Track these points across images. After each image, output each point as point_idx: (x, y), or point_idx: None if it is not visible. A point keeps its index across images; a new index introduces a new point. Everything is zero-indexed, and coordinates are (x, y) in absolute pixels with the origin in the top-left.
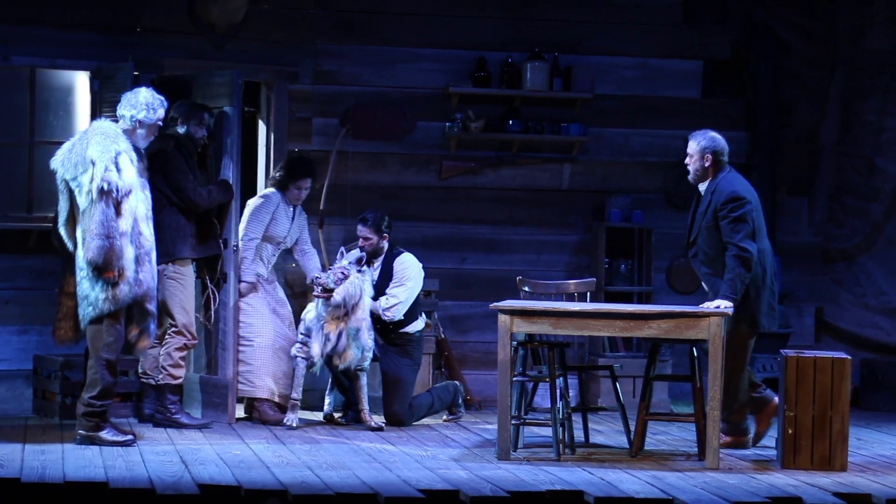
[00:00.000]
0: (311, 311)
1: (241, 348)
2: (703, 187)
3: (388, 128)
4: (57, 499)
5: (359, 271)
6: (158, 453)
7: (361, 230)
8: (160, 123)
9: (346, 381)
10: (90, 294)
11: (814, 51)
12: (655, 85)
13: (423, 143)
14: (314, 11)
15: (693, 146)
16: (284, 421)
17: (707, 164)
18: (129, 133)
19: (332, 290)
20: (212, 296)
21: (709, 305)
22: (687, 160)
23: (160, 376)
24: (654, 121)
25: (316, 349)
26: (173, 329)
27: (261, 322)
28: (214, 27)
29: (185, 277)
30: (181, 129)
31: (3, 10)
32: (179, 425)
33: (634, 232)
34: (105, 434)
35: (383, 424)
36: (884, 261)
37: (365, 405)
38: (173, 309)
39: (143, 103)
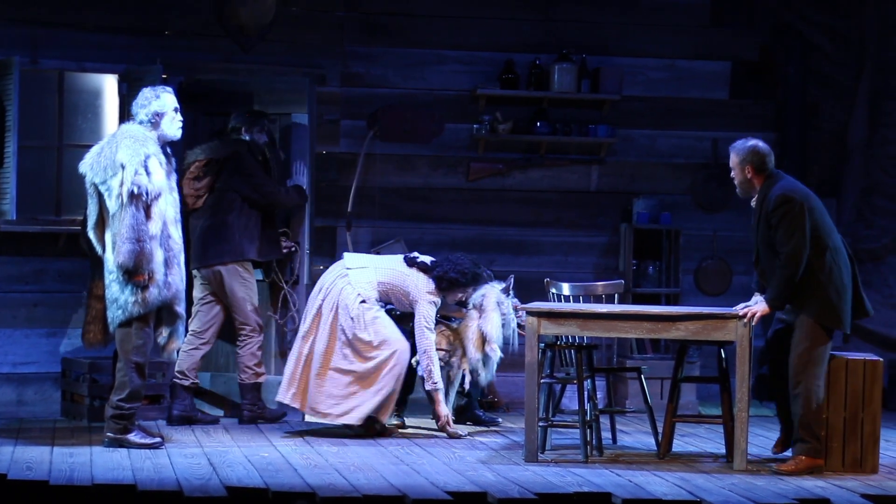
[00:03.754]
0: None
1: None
2: (754, 201)
3: (415, 130)
4: (85, 501)
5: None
6: (186, 456)
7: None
8: (177, 105)
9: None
10: (119, 297)
11: (842, 51)
12: (683, 86)
13: (450, 145)
14: (342, 14)
15: (733, 160)
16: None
17: (749, 176)
18: (155, 129)
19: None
20: (289, 298)
21: (749, 309)
22: (732, 174)
23: (245, 376)
24: (681, 122)
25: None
26: (249, 329)
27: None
28: (243, 29)
29: (251, 279)
30: (245, 137)
31: (31, 13)
32: (268, 419)
33: (662, 233)
34: (133, 436)
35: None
36: None
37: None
38: (246, 308)
39: (148, 97)
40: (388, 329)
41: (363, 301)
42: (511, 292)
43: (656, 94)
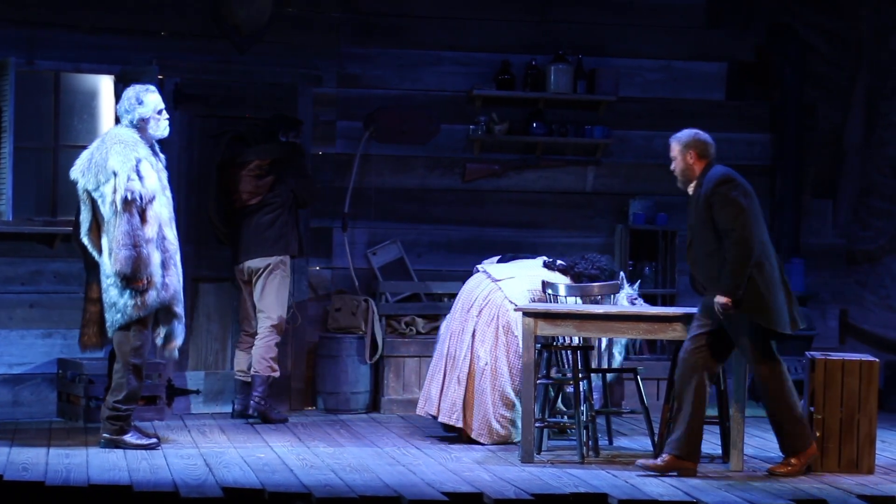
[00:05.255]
0: None
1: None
2: (691, 188)
3: (412, 131)
4: (81, 502)
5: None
6: (182, 456)
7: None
8: (161, 106)
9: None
10: (118, 301)
11: (838, 52)
12: (679, 87)
13: (446, 146)
14: (338, 14)
15: (675, 147)
16: None
17: (691, 161)
18: (142, 133)
19: None
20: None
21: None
22: (672, 165)
23: (260, 367)
24: (677, 123)
25: None
26: (272, 324)
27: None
28: (239, 30)
29: (289, 273)
30: (284, 140)
31: (27, 14)
32: (270, 419)
33: (658, 234)
34: (129, 437)
35: None
36: None
37: None
38: (276, 302)
39: (132, 103)
40: None
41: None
42: (625, 285)
43: (652, 95)
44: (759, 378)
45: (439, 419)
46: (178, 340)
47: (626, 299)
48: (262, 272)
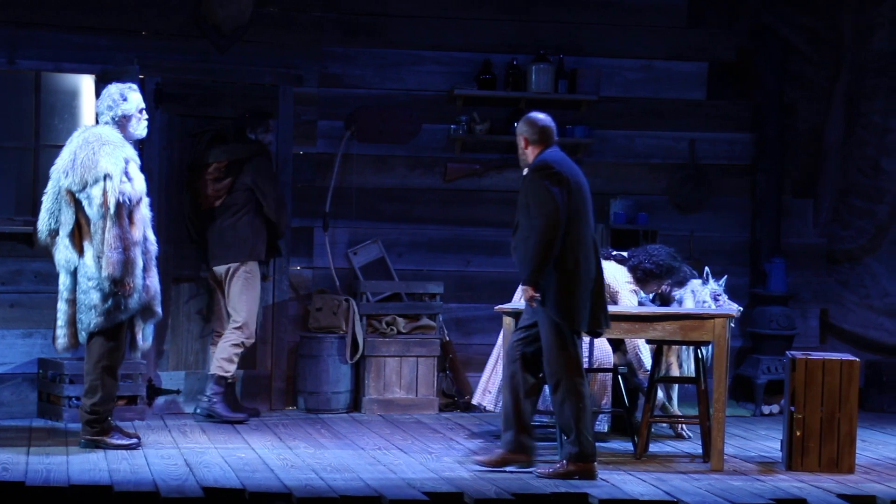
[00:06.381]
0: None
1: None
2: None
3: (392, 130)
4: (62, 502)
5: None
6: (163, 456)
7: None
8: (143, 105)
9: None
10: (99, 304)
11: (819, 52)
12: (660, 87)
13: (427, 146)
14: (319, 14)
15: (517, 130)
16: None
17: (523, 146)
18: (122, 131)
19: None
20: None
21: (516, 296)
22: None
23: (212, 367)
24: (658, 123)
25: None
26: (234, 326)
27: None
28: (220, 30)
29: (256, 277)
30: (252, 137)
31: (8, 13)
32: (218, 416)
33: (639, 234)
34: (110, 438)
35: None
36: (889, 262)
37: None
38: (238, 305)
39: (116, 98)
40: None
41: None
42: (710, 280)
43: (633, 95)
44: (547, 373)
45: (479, 402)
46: (149, 342)
47: (709, 295)
48: (227, 276)
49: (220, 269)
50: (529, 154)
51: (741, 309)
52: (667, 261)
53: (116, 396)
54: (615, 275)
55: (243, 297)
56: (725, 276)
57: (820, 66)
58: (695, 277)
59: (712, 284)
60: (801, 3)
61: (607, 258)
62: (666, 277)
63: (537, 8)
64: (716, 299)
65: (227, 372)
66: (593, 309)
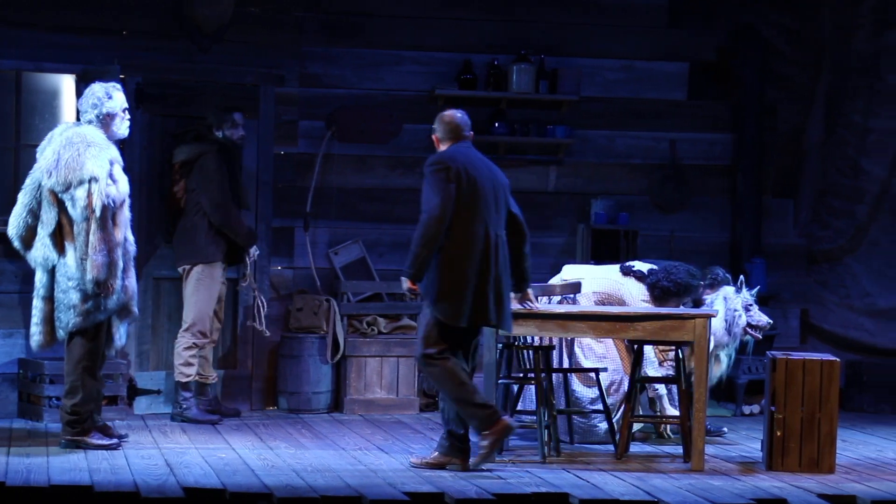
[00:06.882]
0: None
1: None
2: None
3: (373, 130)
4: (42, 503)
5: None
6: (143, 457)
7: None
8: (126, 105)
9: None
10: (79, 305)
11: (799, 53)
12: (641, 87)
13: (408, 146)
14: (300, 14)
15: None
16: None
17: (435, 142)
18: (105, 130)
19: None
20: (260, 303)
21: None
22: None
23: (176, 373)
24: (639, 123)
25: None
26: (183, 327)
27: None
28: (200, 29)
29: (210, 280)
30: (218, 135)
31: None
32: (190, 420)
33: (620, 234)
34: (90, 438)
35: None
36: (868, 262)
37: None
38: (187, 307)
39: (100, 97)
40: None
41: None
42: (743, 289)
43: (614, 95)
44: (419, 364)
45: None
46: (122, 341)
47: (741, 304)
48: (183, 277)
49: (180, 270)
50: (441, 149)
51: (771, 322)
52: (685, 279)
53: (102, 396)
54: (631, 291)
55: (193, 298)
56: (758, 287)
57: (801, 66)
58: (727, 284)
59: (745, 294)
60: (782, 3)
61: (626, 274)
62: (684, 296)
63: (518, 8)
64: (747, 309)
65: (187, 376)
66: (476, 304)
